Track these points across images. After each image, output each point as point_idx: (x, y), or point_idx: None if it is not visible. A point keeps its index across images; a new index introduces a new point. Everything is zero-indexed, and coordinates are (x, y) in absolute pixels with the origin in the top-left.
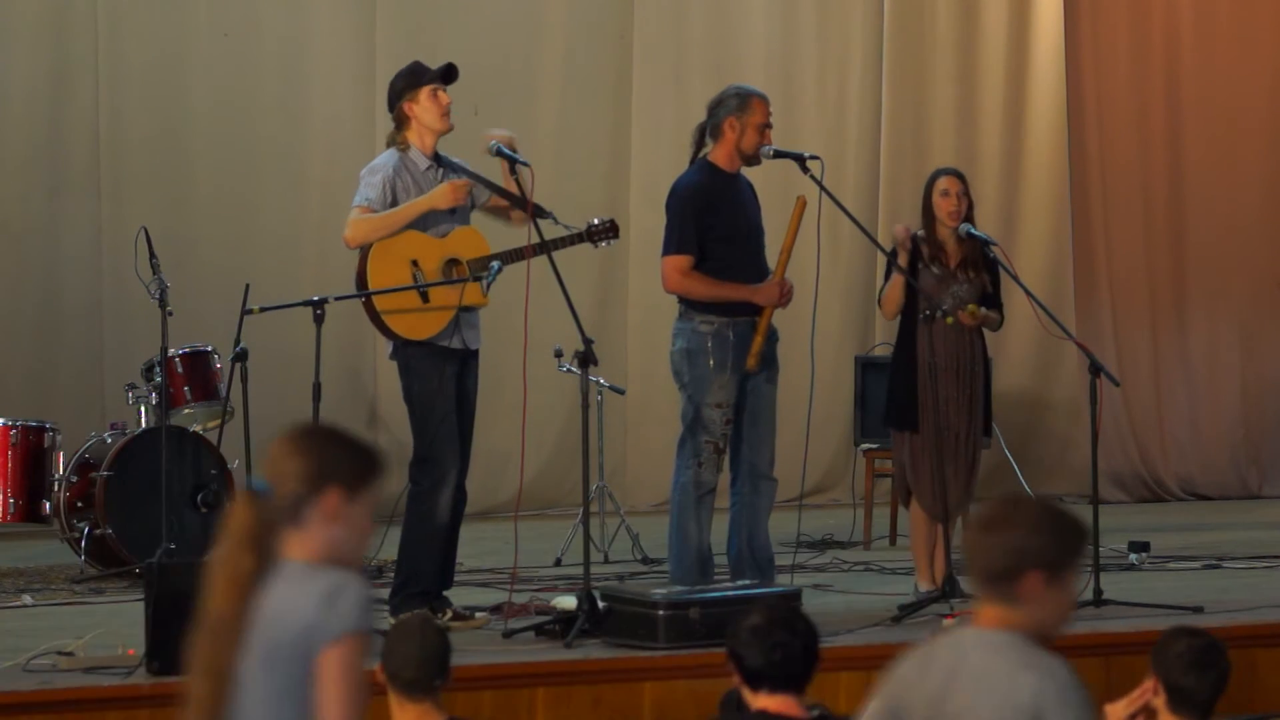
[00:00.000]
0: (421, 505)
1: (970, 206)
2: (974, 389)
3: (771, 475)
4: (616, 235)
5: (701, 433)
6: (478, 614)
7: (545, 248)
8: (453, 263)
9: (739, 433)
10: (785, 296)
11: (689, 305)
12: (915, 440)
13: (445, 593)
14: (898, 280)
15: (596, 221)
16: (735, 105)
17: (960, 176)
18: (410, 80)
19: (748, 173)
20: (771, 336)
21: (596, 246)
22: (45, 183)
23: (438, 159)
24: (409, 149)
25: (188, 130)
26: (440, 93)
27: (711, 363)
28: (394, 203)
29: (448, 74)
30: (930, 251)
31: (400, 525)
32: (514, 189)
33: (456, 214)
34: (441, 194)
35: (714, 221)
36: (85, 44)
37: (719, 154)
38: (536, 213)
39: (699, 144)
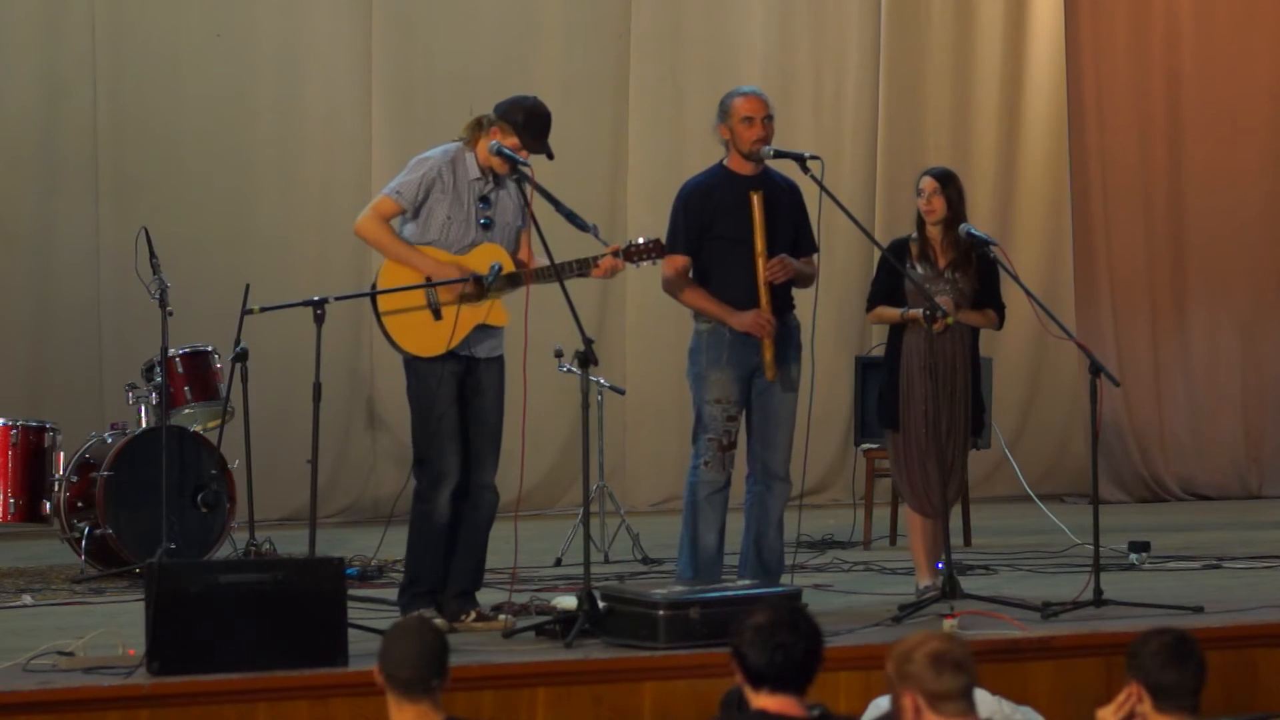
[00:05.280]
0: (420, 505)
1: (950, 205)
2: (955, 386)
3: (785, 477)
4: (661, 255)
5: (704, 431)
6: (501, 616)
7: (574, 269)
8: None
9: (753, 431)
10: (766, 327)
11: None
12: (899, 439)
13: (476, 593)
14: (890, 314)
15: (641, 241)
16: (720, 114)
17: (939, 176)
18: (522, 125)
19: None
20: (793, 335)
21: (638, 266)
22: (42, 183)
23: (495, 176)
24: (470, 151)
25: (185, 130)
26: (519, 153)
27: (706, 360)
28: (425, 201)
29: (546, 152)
30: (919, 250)
31: (399, 525)
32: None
33: (491, 228)
34: (445, 274)
35: (710, 221)
36: (83, 44)
37: (731, 158)
38: (580, 226)
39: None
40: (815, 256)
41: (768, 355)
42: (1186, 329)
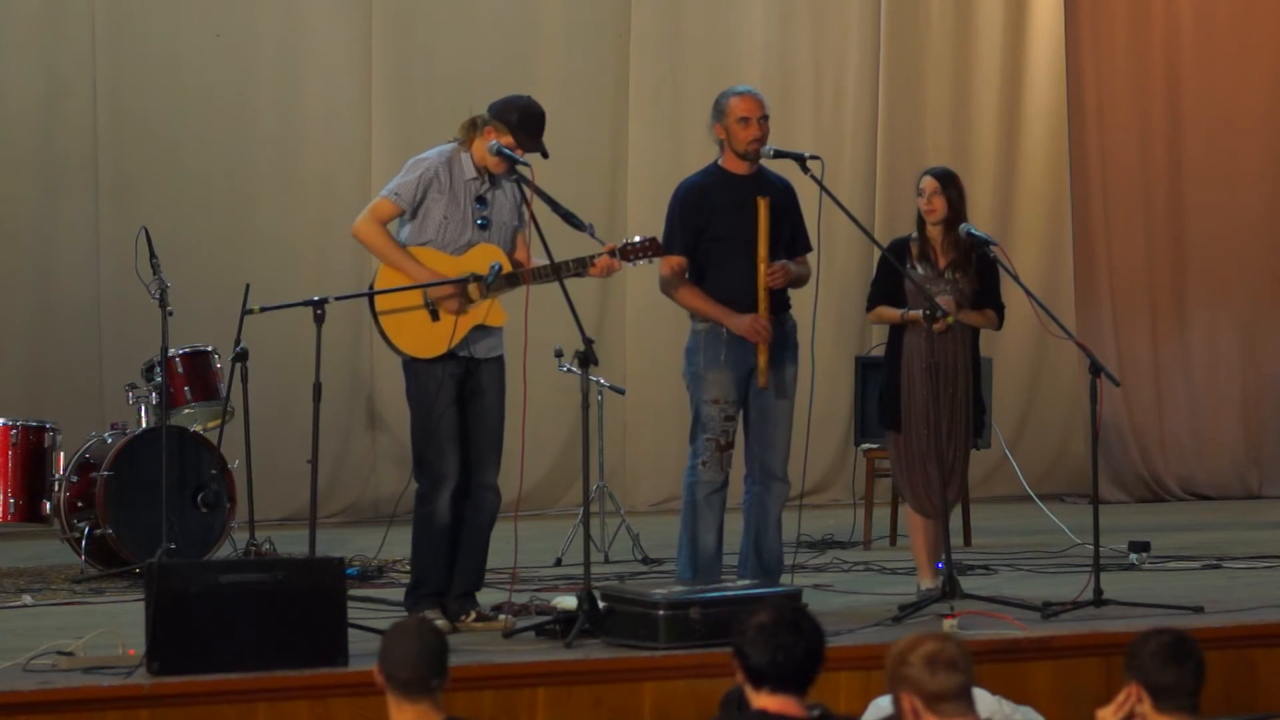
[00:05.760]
0: (422, 507)
1: (950, 205)
2: (956, 387)
3: (784, 477)
4: (658, 253)
5: (702, 430)
6: (501, 616)
7: (571, 268)
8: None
9: (750, 431)
10: (762, 333)
11: None
12: (899, 440)
13: (477, 594)
14: (891, 314)
15: (637, 239)
16: (715, 114)
17: (940, 176)
18: (516, 124)
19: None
20: (789, 335)
21: (635, 264)
22: (42, 183)
23: (491, 176)
24: (466, 151)
25: (185, 130)
26: (515, 152)
27: (704, 360)
28: (423, 201)
29: (541, 151)
30: (919, 250)
31: (399, 525)
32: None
33: (488, 228)
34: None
35: (705, 223)
36: (83, 44)
37: (726, 157)
38: (576, 226)
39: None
40: (809, 255)
41: (761, 361)
42: (1186, 329)
